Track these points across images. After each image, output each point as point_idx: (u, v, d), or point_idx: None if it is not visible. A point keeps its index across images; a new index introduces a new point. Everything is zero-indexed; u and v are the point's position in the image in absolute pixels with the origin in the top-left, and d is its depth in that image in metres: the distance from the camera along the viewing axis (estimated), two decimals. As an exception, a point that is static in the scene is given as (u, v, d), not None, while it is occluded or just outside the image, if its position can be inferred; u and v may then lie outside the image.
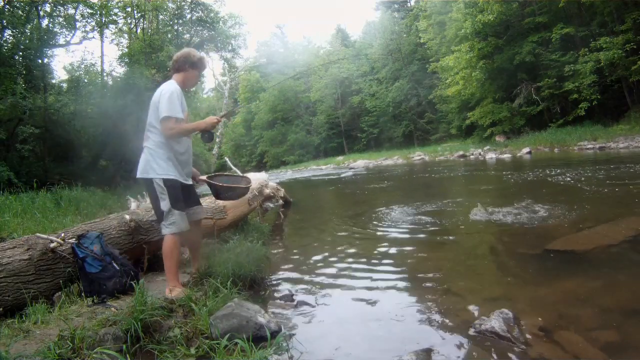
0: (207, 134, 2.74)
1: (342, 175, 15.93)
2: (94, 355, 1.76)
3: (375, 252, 3.61)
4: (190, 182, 2.81)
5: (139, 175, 2.65)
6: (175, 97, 2.57)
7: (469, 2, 20.72)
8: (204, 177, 3.01)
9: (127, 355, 1.80)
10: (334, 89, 37.74)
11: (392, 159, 22.76)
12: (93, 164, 15.13)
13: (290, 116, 42.59)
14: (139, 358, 1.87)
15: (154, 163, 2.60)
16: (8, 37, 13.11)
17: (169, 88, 2.61)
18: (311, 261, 3.52)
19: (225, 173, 3.32)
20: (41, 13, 13.64)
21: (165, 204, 2.58)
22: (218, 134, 36.94)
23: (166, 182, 2.59)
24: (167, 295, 2.48)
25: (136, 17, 17.39)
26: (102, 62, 17.04)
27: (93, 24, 14.98)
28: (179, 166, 2.67)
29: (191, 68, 2.75)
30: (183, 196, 2.67)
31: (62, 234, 2.84)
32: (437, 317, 2.16)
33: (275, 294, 2.69)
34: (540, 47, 19.17)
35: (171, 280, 2.59)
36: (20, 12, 13.08)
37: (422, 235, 4.10)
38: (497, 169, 11.14)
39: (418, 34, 30.89)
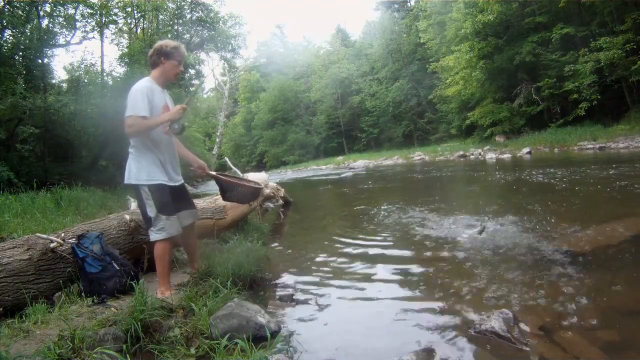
0: (177, 125, 2.55)
1: (342, 176, 15.93)
2: (94, 355, 1.76)
3: (375, 252, 3.61)
4: (179, 182, 2.72)
5: (125, 181, 2.59)
6: (138, 95, 2.46)
7: (469, 2, 20.73)
8: (212, 173, 2.92)
9: (127, 355, 1.80)
10: (334, 89, 37.74)
11: (392, 159, 22.75)
12: (93, 164, 15.11)
13: (290, 116, 42.59)
14: (139, 358, 1.87)
15: (134, 168, 2.53)
16: (8, 37, 13.10)
17: (135, 87, 2.52)
18: (311, 261, 3.52)
19: (238, 176, 3.18)
20: (41, 13, 13.63)
21: (151, 210, 2.52)
22: (218, 133, 36.97)
23: (151, 187, 2.52)
24: (159, 296, 2.49)
25: (136, 17, 17.38)
26: (102, 62, 17.02)
27: (93, 24, 14.97)
28: (162, 168, 2.58)
29: (167, 59, 2.61)
30: (174, 201, 2.61)
31: (62, 234, 2.84)
32: (437, 317, 2.15)
33: (275, 294, 2.69)
34: (540, 47, 19.17)
35: (162, 284, 2.59)
36: (20, 12, 13.06)
37: (421, 236, 4.10)
38: (497, 169, 11.14)
39: (418, 34, 30.90)
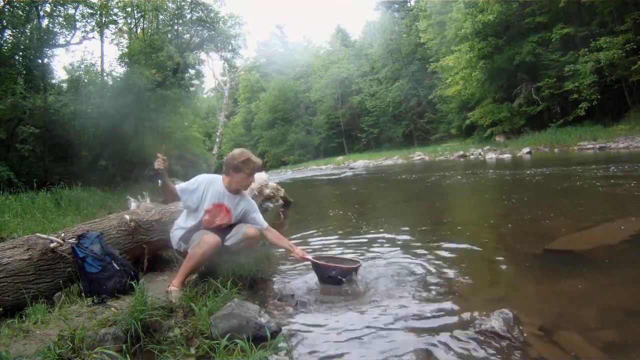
0: (151, 172, 2.58)
1: (342, 176, 15.94)
2: (94, 355, 1.76)
3: (375, 252, 3.61)
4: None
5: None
6: (197, 182, 2.73)
7: (469, 2, 20.75)
8: (309, 257, 2.84)
9: (127, 355, 1.80)
10: (334, 89, 37.78)
11: (392, 159, 22.76)
12: (93, 164, 15.11)
13: (290, 116, 42.64)
14: (139, 358, 1.87)
15: (171, 239, 2.85)
16: (8, 37, 13.09)
17: (204, 175, 2.83)
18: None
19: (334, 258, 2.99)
20: (41, 13, 13.61)
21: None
22: (218, 133, 37.04)
23: (179, 253, 2.81)
24: (167, 289, 2.53)
25: (136, 17, 17.36)
26: (102, 62, 17.02)
27: (93, 24, 14.94)
28: (183, 231, 2.78)
29: (234, 172, 2.73)
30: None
31: (62, 234, 2.84)
32: (437, 317, 2.15)
33: (276, 294, 2.69)
34: (540, 47, 19.19)
35: (177, 278, 2.59)
36: (20, 12, 13.05)
37: (421, 236, 4.10)
38: (497, 169, 11.14)
39: (418, 34, 30.96)
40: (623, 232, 3.30)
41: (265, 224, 2.94)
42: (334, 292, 2.68)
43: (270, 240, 2.94)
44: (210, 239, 2.57)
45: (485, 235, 3.85)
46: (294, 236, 4.67)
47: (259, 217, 2.94)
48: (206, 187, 2.71)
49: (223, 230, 2.81)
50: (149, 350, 1.88)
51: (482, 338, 1.87)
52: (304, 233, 4.89)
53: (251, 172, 2.75)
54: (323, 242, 4.29)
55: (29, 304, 2.37)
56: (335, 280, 2.73)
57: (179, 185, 2.71)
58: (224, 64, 24.47)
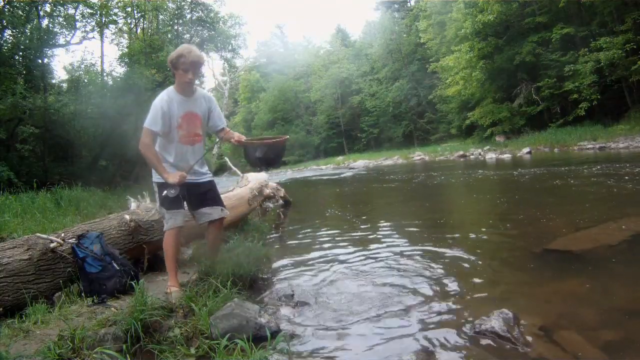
0: (173, 190, 2.47)
1: (342, 176, 15.93)
2: (94, 355, 1.76)
3: (375, 252, 3.61)
4: (201, 180, 2.77)
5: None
6: (153, 109, 2.56)
7: (469, 2, 20.74)
8: (244, 139, 2.75)
9: (127, 355, 1.80)
10: (334, 89, 37.72)
11: (392, 159, 22.74)
12: (93, 164, 15.11)
13: (290, 116, 42.58)
14: (139, 358, 1.87)
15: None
16: (8, 37, 13.12)
17: (155, 99, 2.63)
18: (311, 261, 3.52)
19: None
20: (41, 13, 13.63)
21: (158, 204, 2.70)
22: (218, 133, 36.97)
23: (157, 184, 2.65)
24: (167, 291, 2.54)
25: (136, 17, 17.38)
26: (102, 62, 17.03)
27: (93, 24, 14.96)
28: (173, 168, 2.63)
29: (175, 69, 2.63)
30: (191, 197, 2.69)
31: (62, 234, 2.84)
32: (437, 317, 2.15)
33: (275, 294, 2.69)
34: (540, 47, 19.17)
35: (169, 280, 2.61)
36: (20, 12, 13.07)
37: (420, 235, 4.10)
38: (496, 169, 11.14)
39: (418, 34, 30.93)
40: (623, 232, 3.30)
41: (224, 122, 2.93)
42: (334, 292, 2.68)
43: (223, 138, 2.90)
44: (178, 223, 2.60)
45: (485, 235, 3.85)
46: (294, 235, 4.68)
47: (220, 112, 2.91)
48: (167, 105, 2.58)
49: (204, 193, 2.75)
50: (149, 350, 1.88)
51: (482, 338, 1.87)
52: (304, 232, 4.89)
53: (187, 67, 2.59)
54: (322, 241, 4.29)
55: (29, 304, 2.37)
56: (267, 160, 2.63)
57: (152, 128, 2.55)
58: (224, 64, 24.52)
